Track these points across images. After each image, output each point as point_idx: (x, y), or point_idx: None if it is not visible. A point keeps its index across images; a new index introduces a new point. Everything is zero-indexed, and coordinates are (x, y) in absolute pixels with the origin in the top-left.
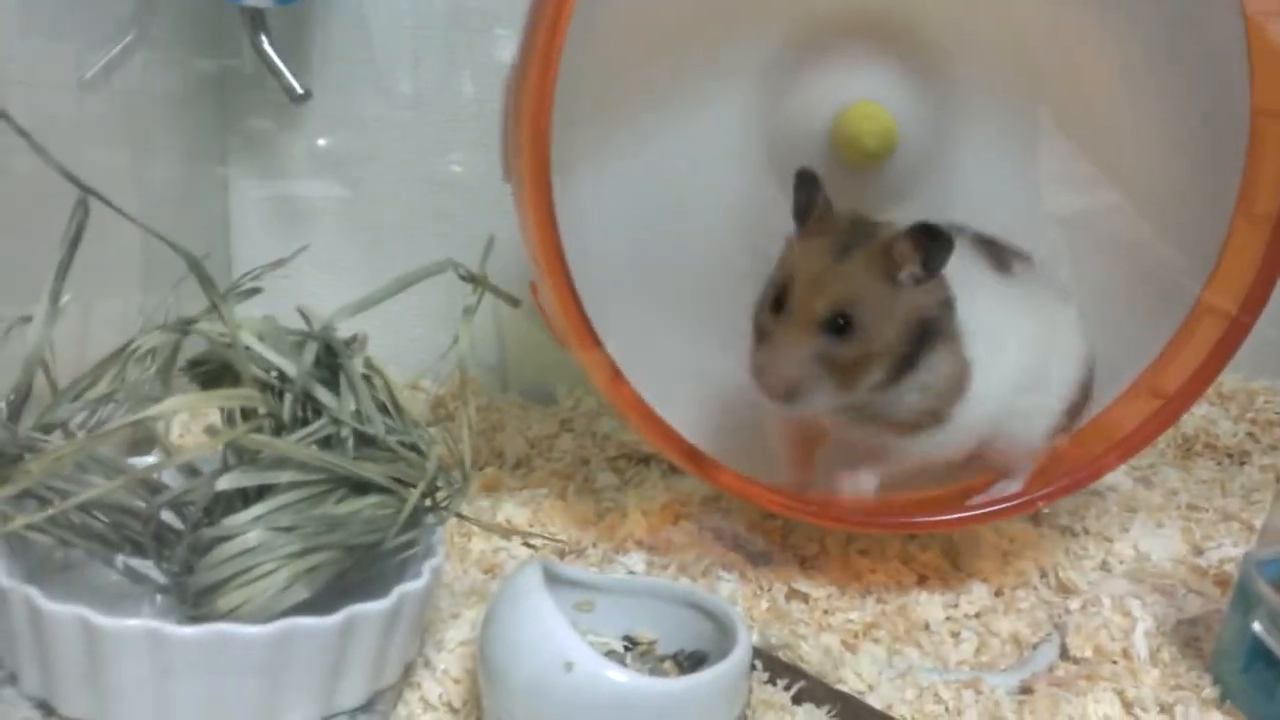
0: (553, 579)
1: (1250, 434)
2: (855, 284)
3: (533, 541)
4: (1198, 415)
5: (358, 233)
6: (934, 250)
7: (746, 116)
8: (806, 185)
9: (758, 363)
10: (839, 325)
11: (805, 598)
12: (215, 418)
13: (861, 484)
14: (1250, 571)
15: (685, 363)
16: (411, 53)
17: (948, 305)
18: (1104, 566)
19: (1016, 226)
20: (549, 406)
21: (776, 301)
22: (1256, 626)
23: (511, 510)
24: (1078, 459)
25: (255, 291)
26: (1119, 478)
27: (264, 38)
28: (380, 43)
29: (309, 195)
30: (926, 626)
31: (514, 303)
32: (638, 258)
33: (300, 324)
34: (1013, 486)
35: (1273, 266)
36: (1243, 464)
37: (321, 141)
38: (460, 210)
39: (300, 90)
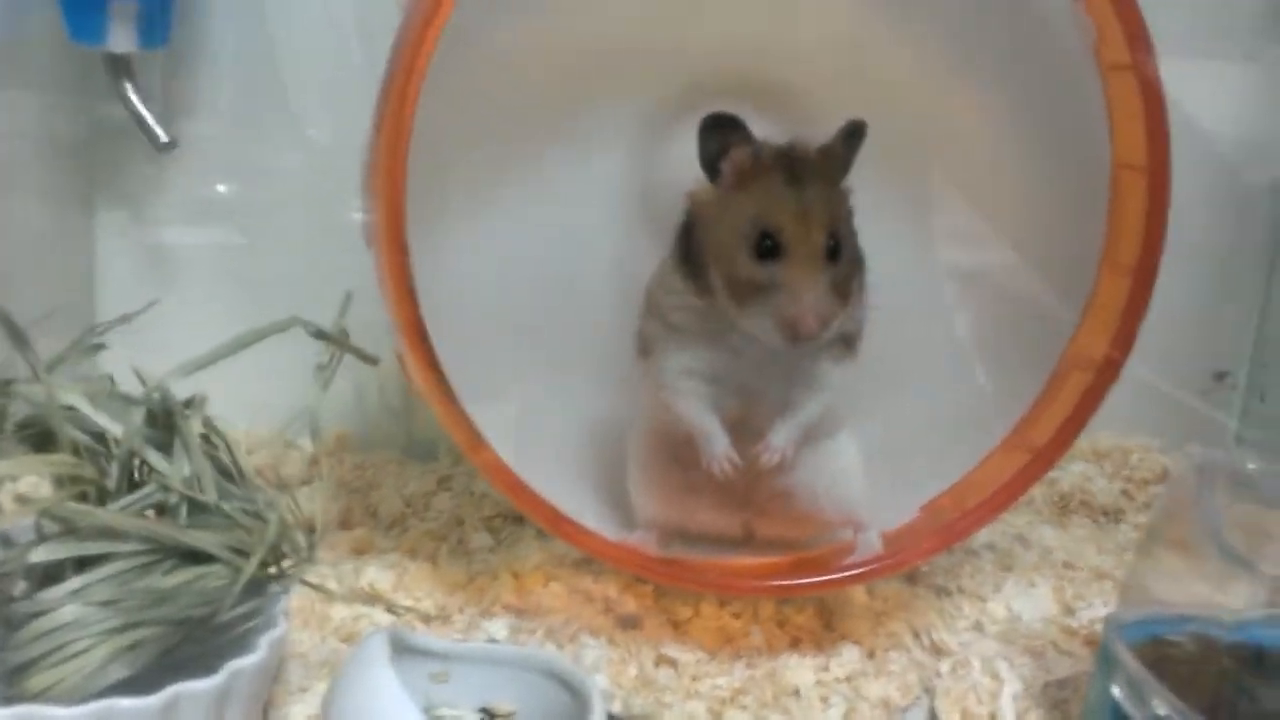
0: (405, 649)
1: (1125, 492)
2: (829, 204)
3: (396, 607)
4: (1074, 473)
5: (241, 285)
6: (857, 143)
7: (622, 174)
8: (721, 129)
9: (788, 311)
10: (832, 249)
11: (674, 663)
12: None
13: (873, 543)
14: (1111, 634)
15: (558, 419)
16: (312, 97)
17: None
18: (977, 627)
19: (902, 279)
20: (429, 464)
21: (762, 249)
22: (1116, 692)
23: (376, 574)
24: (948, 513)
25: (99, 348)
26: (995, 535)
27: (128, 84)
28: (272, 86)
29: (185, 244)
30: (796, 692)
31: (371, 360)
32: (509, 313)
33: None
34: (873, 543)
35: (1135, 315)
36: (1118, 522)
37: (220, 188)
38: (356, 262)
39: (165, 139)
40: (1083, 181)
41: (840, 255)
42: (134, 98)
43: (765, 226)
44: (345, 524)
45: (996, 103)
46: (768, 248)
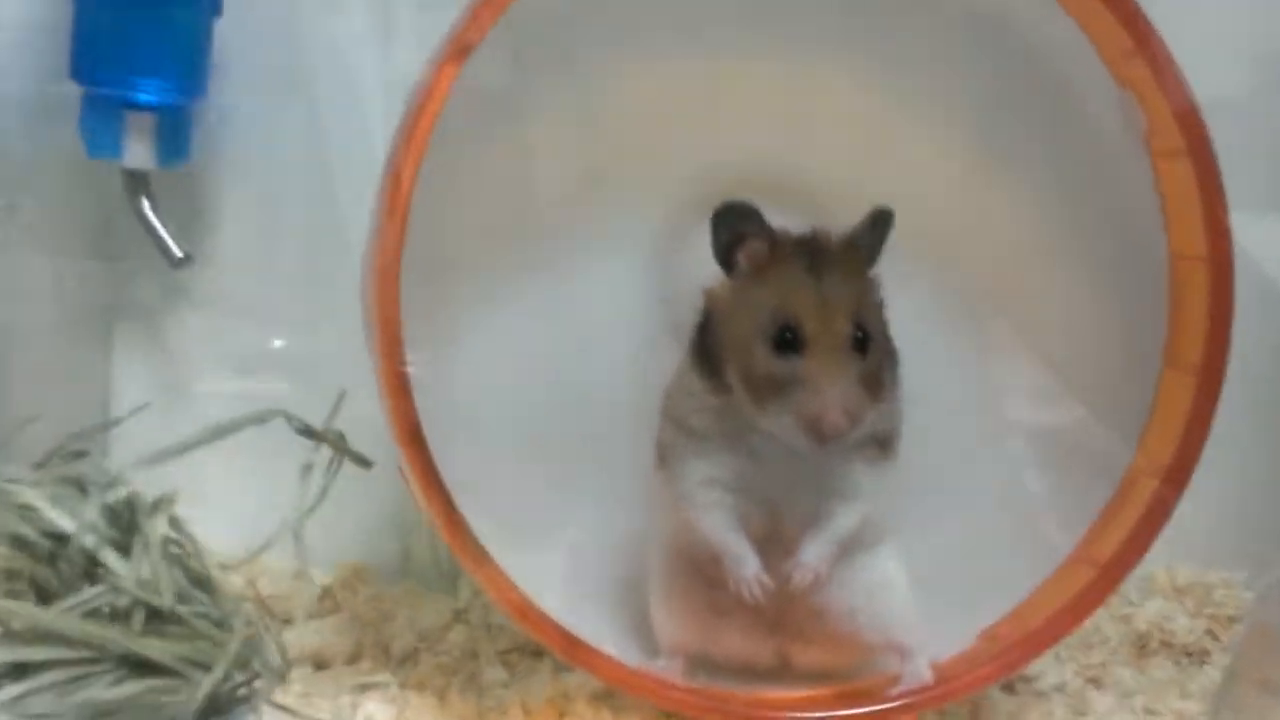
0: None
1: (1209, 631)
2: (854, 293)
3: None
4: (1152, 610)
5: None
6: (884, 230)
7: (642, 278)
8: (735, 219)
9: (812, 408)
10: (859, 340)
11: None
12: None
13: (921, 672)
14: None
15: (571, 535)
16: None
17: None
18: None
19: (947, 380)
20: (448, 594)
21: (781, 342)
22: None
23: (375, 708)
24: (1006, 639)
25: (82, 454)
26: (1067, 675)
27: (145, 201)
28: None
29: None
30: None
31: (364, 464)
32: (521, 421)
33: None
34: (922, 672)
35: (1203, 416)
36: (1202, 663)
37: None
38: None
39: (179, 254)
40: (1138, 275)
41: (869, 347)
42: (150, 214)
43: (784, 317)
44: (353, 659)
45: (1038, 196)
46: (787, 340)
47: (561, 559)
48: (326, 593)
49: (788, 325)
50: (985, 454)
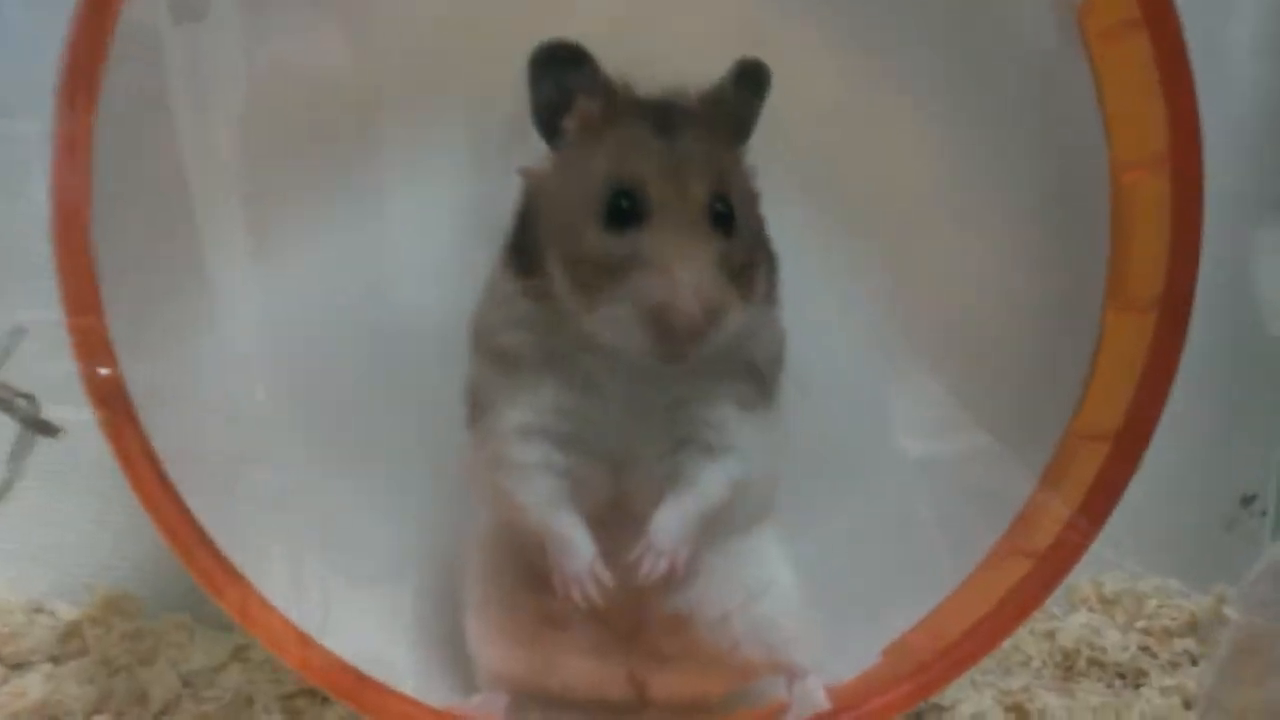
0: None
1: (1145, 647)
2: (715, 156)
3: None
4: (1077, 624)
5: None
6: (756, 92)
7: (463, 203)
8: (561, 68)
9: (656, 293)
10: (721, 215)
11: None
12: None
13: (815, 696)
14: None
15: (367, 537)
16: None
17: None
18: None
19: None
20: (226, 630)
21: (617, 213)
22: None
23: None
24: (920, 654)
25: None
26: (984, 703)
27: None
28: None
29: None
30: None
31: (49, 432)
32: (300, 380)
33: None
34: (815, 697)
35: (1164, 361)
36: (1138, 685)
37: None
38: None
39: None
40: (1068, 195)
41: (733, 226)
42: None
43: (622, 181)
44: (95, 710)
45: (934, 102)
46: (625, 210)
47: (353, 569)
48: (72, 630)
49: (625, 190)
50: (888, 424)
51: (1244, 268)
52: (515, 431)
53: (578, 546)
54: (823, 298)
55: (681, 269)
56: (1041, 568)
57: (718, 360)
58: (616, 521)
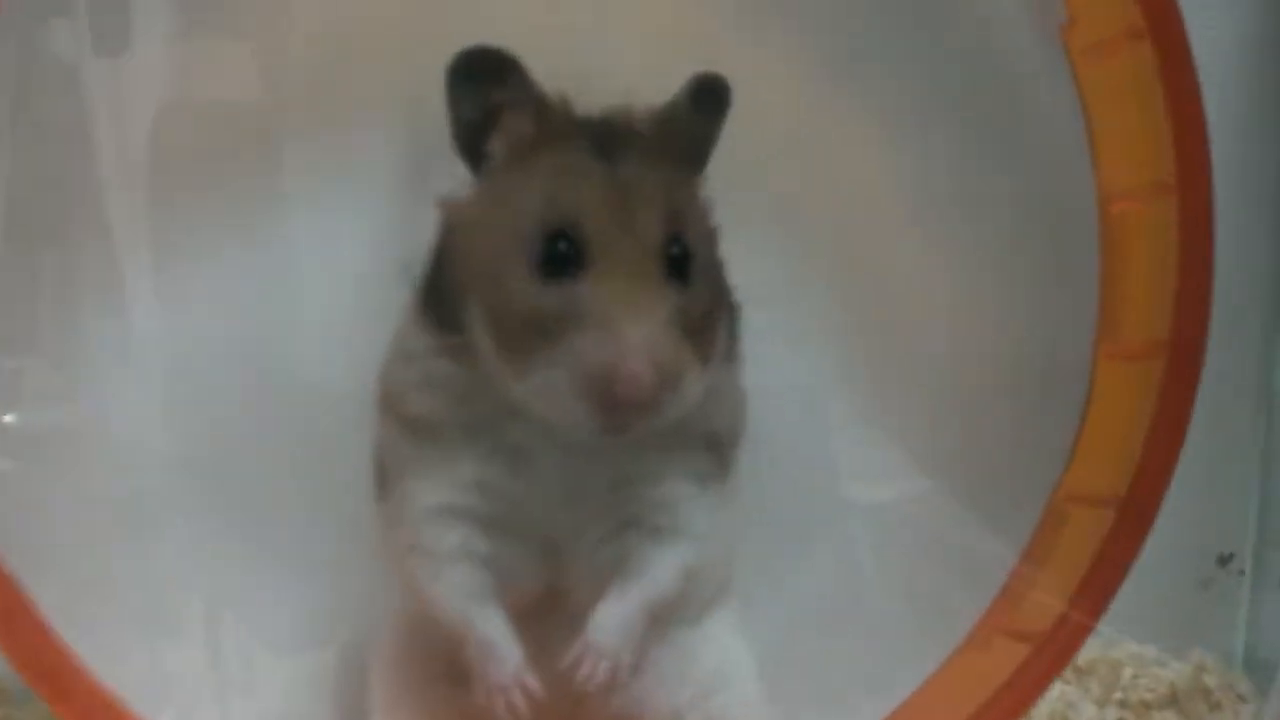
0: None
1: None
2: (667, 187)
3: None
4: (1052, 698)
5: None
6: (713, 111)
7: (376, 230)
8: (485, 78)
9: (599, 357)
10: (676, 258)
11: None
12: None
13: None
14: None
15: (257, 623)
16: None
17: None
18: None
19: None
20: None
21: (552, 259)
22: None
23: None
24: None
25: None
26: None
27: None
28: None
29: None
30: None
31: None
32: (186, 435)
33: None
34: None
35: (1177, 416)
36: None
37: None
38: None
39: None
40: (1051, 234)
41: (690, 274)
42: None
43: (558, 218)
44: None
45: (902, 127)
46: (561, 254)
47: (268, 629)
48: None
49: (562, 229)
50: (851, 484)
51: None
52: (429, 513)
53: (501, 651)
54: (779, 341)
55: (629, 327)
56: (1039, 654)
57: (669, 431)
58: (549, 613)
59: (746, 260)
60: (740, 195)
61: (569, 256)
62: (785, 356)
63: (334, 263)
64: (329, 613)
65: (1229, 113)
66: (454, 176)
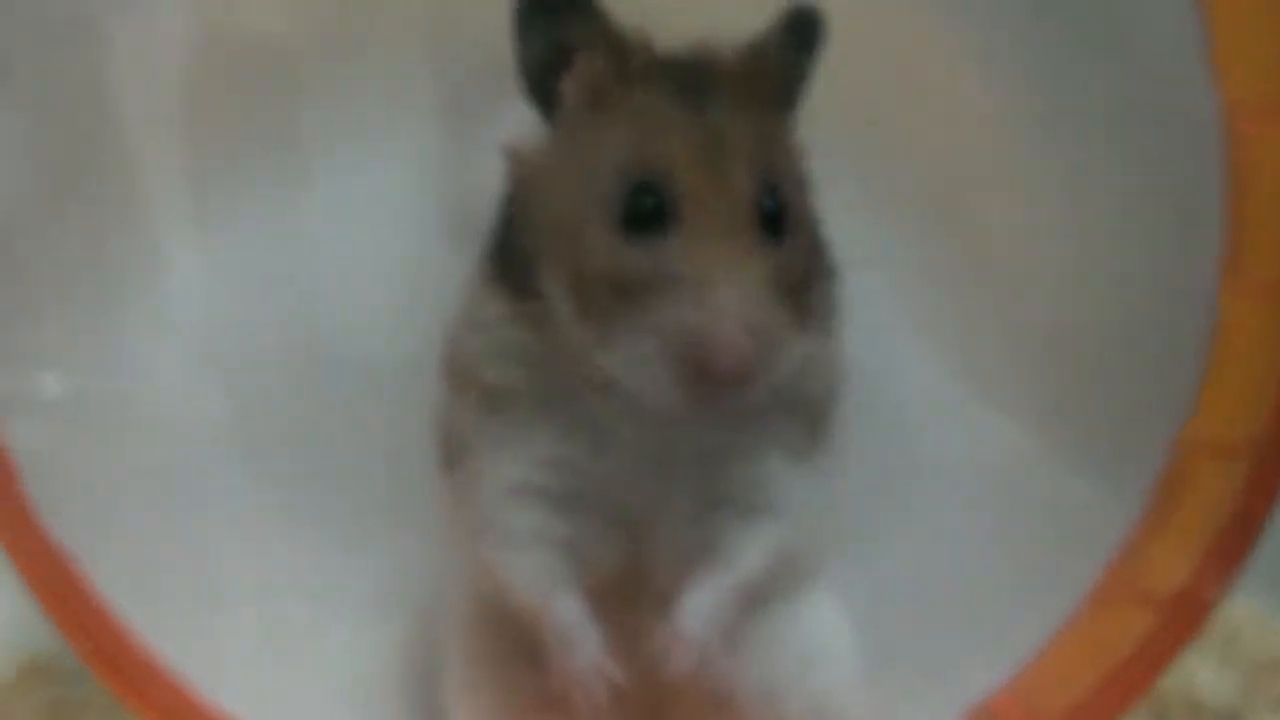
0: None
1: (1245, 686)
2: (762, 135)
3: None
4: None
5: None
6: (808, 48)
7: (427, 182)
8: (557, 14)
9: (692, 325)
10: (771, 213)
11: None
12: None
13: None
14: None
15: (318, 600)
16: None
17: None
18: None
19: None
20: None
21: (637, 214)
22: None
23: None
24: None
25: None
26: None
27: None
28: None
29: None
30: None
31: None
32: (228, 401)
33: None
34: None
35: None
36: None
37: None
38: None
39: None
40: (1168, 156)
41: (787, 229)
42: None
43: (643, 171)
44: None
45: (1016, 45)
46: (649, 210)
47: (297, 640)
48: None
49: (648, 182)
50: (956, 440)
51: None
52: (503, 492)
53: (578, 638)
54: (878, 293)
55: (724, 291)
56: (1167, 620)
57: (763, 403)
58: (634, 594)
59: (836, 208)
60: (829, 137)
61: (656, 212)
62: (888, 304)
63: (379, 221)
64: (391, 583)
65: None
66: (502, 114)
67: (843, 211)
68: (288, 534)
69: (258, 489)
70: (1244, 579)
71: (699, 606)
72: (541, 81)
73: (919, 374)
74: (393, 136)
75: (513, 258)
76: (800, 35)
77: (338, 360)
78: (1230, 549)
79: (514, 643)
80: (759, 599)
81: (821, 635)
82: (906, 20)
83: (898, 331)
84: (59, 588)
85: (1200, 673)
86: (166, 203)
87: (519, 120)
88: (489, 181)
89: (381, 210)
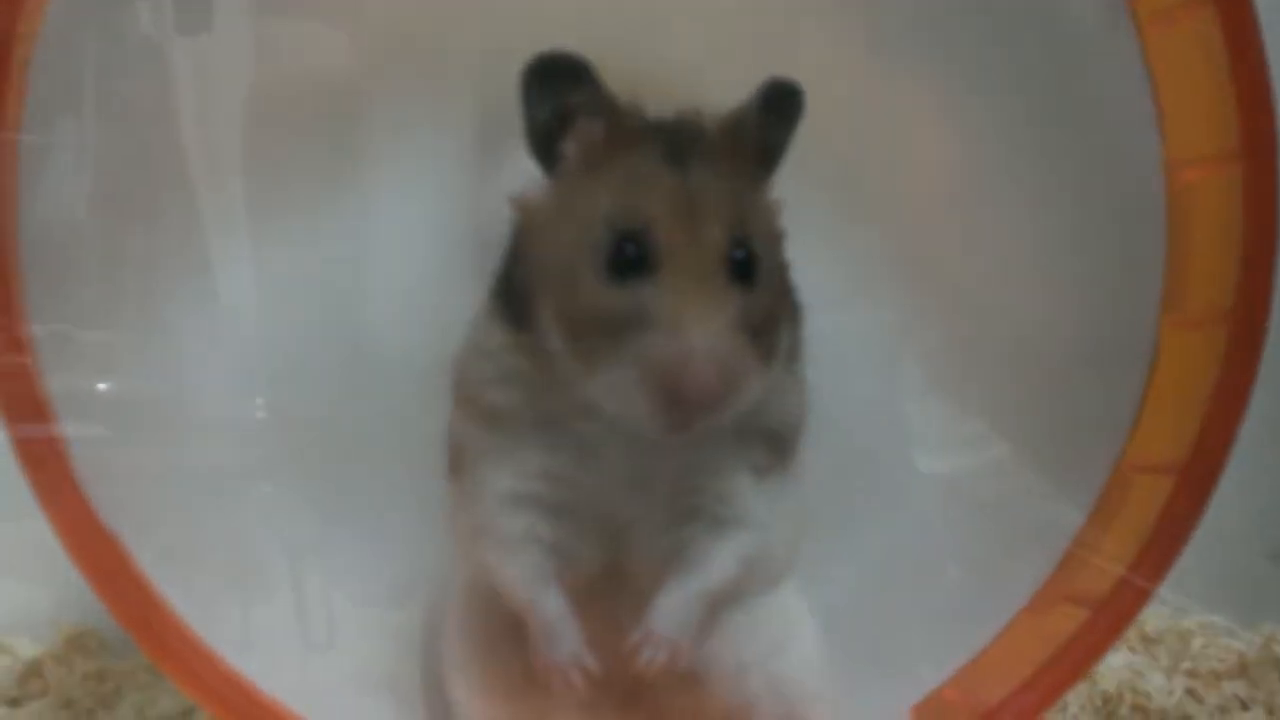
0: None
1: (1190, 691)
2: (735, 195)
3: None
4: (1116, 666)
5: None
6: (786, 117)
7: (445, 213)
8: (559, 83)
9: (665, 357)
10: (741, 263)
11: None
12: None
13: None
14: None
15: (335, 581)
16: None
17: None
18: None
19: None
20: None
21: (621, 261)
22: None
23: None
24: (955, 714)
25: None
26: None
27: None
28: None
29: None
30: None
31: None
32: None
33: None
34: None
35: (1239, 384)
36: None
37: None
38: None
39: None
40: (1114, 201)
41: (755, 276)
42: None
43: (627, 222)
44: None
45: (976, 96)
46: (630, 258)
47: (317, 619)
48: (32, 669)
49: (631, 233)
50: (914, 451)
51: None
52: (499, 499)
53: (560, 632)
54: (840, 311)
55: (694, 328)
56: (1099, 617)
57: (731, 426)
58: (614, 590)
59: (814, 235)
60: (805, 167)
61: (637, 260)
62: (850, 322)
63: (416, 237)
64: (411, 574)
65: None
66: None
67: (820, 248)
68: (318, 525)
69: (290, 484)
70: (1197, 594)
71: (670, 609)
72: (545, 141)
73: (896, 389)
74: (429, 171)
75: (514, 294)
76: (778, 107)
77: (370, 372)
78: (1157, 555)
79: (504, 627)
80: (727, 602)
81: (787, 622)
82: (876, 84)
83: (866, 347)
84: (106, 567)
85: (1151, 676)
86: (221, 222)
87: (532, 168)
88: (503, 218)
89: (413, 237)
